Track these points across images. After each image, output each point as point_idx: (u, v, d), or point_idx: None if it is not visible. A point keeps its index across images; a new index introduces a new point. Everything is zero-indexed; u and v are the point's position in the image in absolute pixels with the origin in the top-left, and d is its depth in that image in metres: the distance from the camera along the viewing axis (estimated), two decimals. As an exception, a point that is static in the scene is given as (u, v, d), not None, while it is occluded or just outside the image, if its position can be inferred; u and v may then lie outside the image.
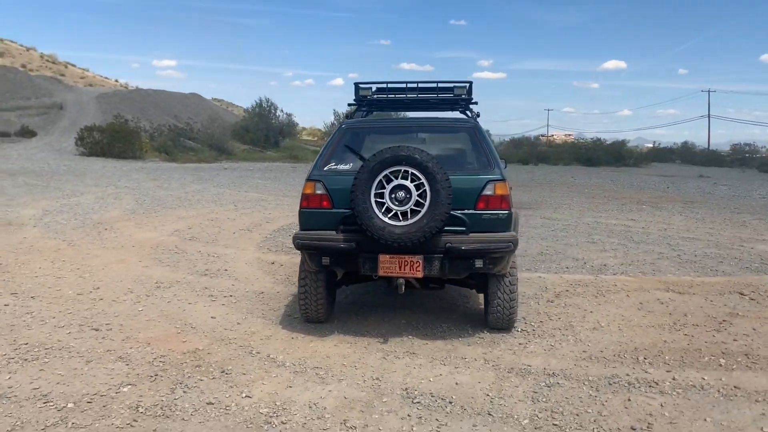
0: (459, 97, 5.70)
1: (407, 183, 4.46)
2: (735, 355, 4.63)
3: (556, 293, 6.37)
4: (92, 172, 22.58)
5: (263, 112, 51.34)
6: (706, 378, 4.17)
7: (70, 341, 4.70)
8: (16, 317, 5.27)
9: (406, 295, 6.05)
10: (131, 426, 3.37)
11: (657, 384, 4.05)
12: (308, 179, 4.84)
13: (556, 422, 3.50)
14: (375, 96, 5.78)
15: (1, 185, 16.50)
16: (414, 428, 3.41)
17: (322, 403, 3.71)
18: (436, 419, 3.52)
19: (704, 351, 4.70)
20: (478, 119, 5.79)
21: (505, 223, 4.66)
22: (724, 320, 5.49)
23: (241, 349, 4.62)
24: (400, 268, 4.60)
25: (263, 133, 49.05)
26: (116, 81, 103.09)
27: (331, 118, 53.93)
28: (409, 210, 4.44)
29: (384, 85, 5.83)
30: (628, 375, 4.20)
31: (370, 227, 4.44)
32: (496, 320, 5.00)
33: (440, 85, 5.73)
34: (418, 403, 3.73)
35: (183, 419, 3.47)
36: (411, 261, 4.57)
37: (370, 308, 5.76)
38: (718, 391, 3.95)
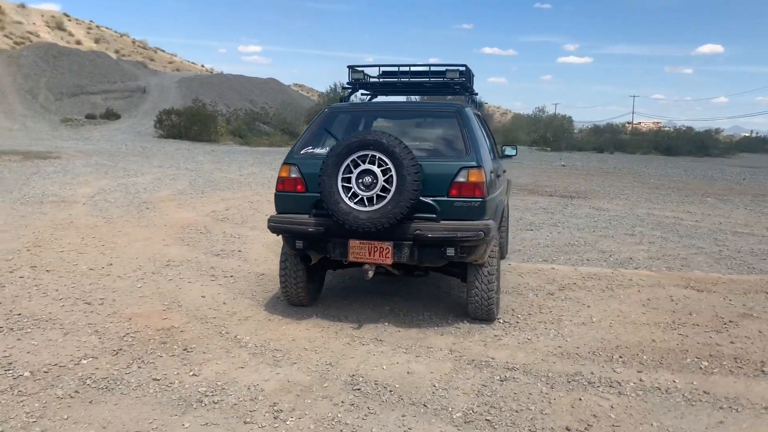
0: (452, 81, 5.56)
1: (374, 168, 4.39)
2: (723, 358, 4.33)
3: (561, 286, 6.14)
4: (163, 153, 23.51)
5: (337, 97, 51.92)
6: (676, 381, 3.92)
7: (59, 314, 4.92)
8: (23, 289, 5.56)
9: (403, 283, 6.01)
10: (71, 397, 3.50)
11: (619, 384, 3.85)
12: (284, 163, 4.85)
13: (489, 417, 3.38)
14: (368, 79, 5.74)
15: (72, 165, 17.42)
16: (340, 415, 3.38)
17: (263, 385, 3.73)
18: (368, 407, 3.48)
19: (691, 352, 4.42)
20: (476, 103, 5.66)
21: (478, 212, 4.52)
22: (731, 321, 5.14)
23: (214, 329, 4.70)
24: (369, 253, 4.55)
25: (337, 118, 49.62)
26: (202, 66, 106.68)
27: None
28: (375, 195, 4.38)
29: (377, 69, 5.78)
30: (592, 373, 4.00)
31: (336, 212, 4.41)
32: (475, 310, 4.87)
33: (432, 68, 5.62)
34: (357, 390, 3.69)
35: (122, 393, 3.58)
36: (381, 247, 4.52)
37: (361, 293, 5.74)
38: (683, 395, 3.71)
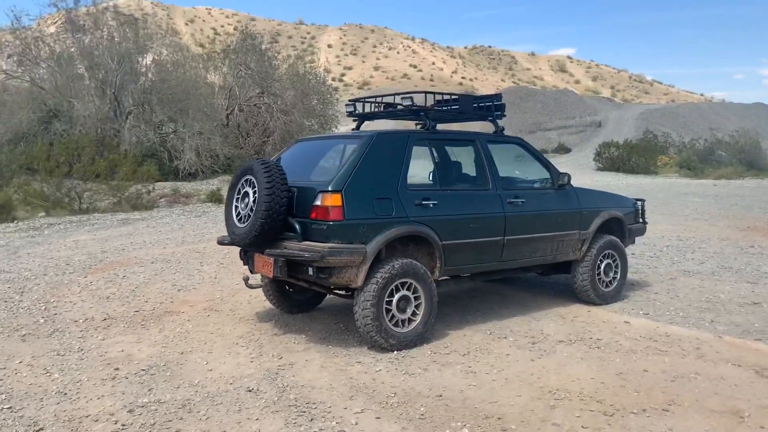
0: (407, 109, 5.44)
1: (249, 189, 4.85)
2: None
3: (576, 338, 4.94)
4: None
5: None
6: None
7: (162, 288, 6.62)
8: (187, 269, 7.54)
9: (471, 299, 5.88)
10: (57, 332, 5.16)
11: (323, 420, 3.50)
12: None
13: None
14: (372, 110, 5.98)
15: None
16: (109, 380, 4.13)
17: (131, 350, 4.72)
18: (133, 378, 4.12)
19: (493, 420, 3.55)
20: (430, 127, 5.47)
21: (328, 234, 4.54)
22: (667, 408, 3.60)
23: (236, 315, 5.74)
24: (262, 266, 4.97)
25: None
26: (701, 95, 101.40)
27: None
28: (246, 214, 4.84)
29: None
30: (328, 407, 3.76)
31: (227, 225, 5.07)
32: (361, 334, 4.78)
33: (397, 96, 5.61)
34: (162, 367, 4.34)
35: (76, 336, 5.06)
36: (267, 261, 4.85)
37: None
38: None
